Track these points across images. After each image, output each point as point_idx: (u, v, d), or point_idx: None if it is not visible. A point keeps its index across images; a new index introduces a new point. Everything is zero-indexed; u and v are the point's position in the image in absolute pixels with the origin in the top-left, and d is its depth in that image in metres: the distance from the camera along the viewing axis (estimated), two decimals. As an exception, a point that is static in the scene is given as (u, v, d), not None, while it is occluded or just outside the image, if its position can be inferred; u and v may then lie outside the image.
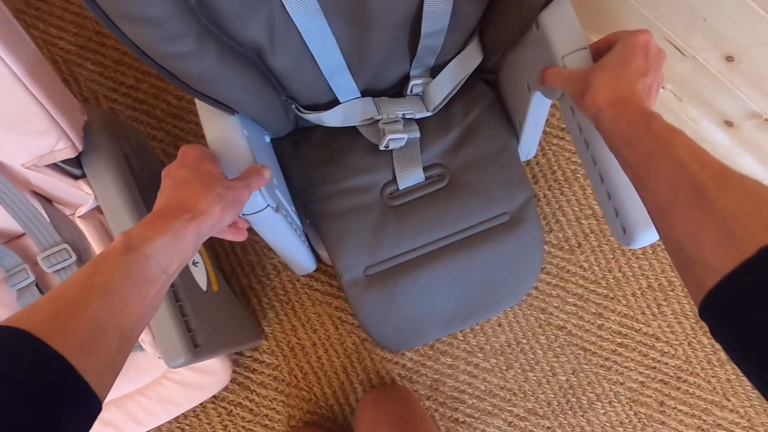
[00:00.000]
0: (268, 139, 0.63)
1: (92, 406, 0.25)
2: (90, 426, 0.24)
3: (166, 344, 0.52)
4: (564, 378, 0.79)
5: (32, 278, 0.59)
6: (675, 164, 0.30)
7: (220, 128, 0.46)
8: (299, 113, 0.58)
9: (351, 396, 0.79)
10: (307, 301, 0.80)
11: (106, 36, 0.85)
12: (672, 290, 0.80)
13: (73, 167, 0.55)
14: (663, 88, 0.76)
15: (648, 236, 0.40)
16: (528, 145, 0.67)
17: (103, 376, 0.26)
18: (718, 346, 0.79)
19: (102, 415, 0.25)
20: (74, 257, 0.57)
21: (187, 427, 0.79)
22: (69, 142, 0.50)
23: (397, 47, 0.50)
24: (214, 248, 0.81)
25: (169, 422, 0.77)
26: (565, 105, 0.45)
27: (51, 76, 0.49)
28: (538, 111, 0.55)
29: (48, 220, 0.57)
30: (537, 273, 0.64)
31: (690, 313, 0.79)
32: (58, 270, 0.57)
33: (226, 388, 0.77)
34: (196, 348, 0.54)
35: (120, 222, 0.55)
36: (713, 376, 0.79)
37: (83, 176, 0.56)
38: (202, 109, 0.47)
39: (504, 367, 0.79)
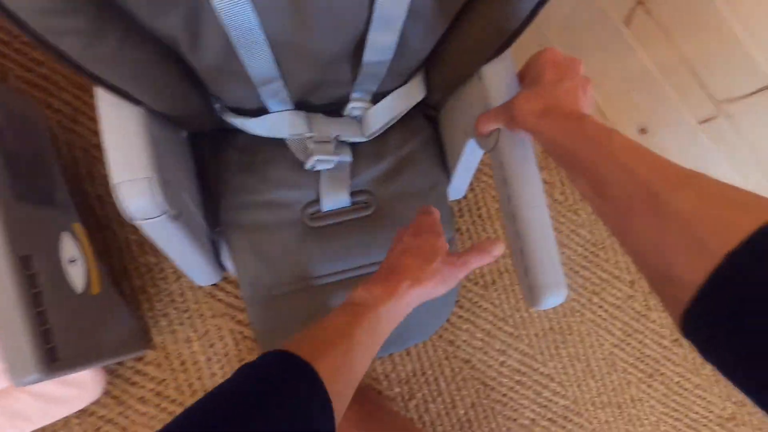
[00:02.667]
0: (185, 133, 0.57)
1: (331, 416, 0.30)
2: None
3: (15, 357, 0.44)
4: (462, 411, 0.80)
5: None
6: (621, 169, 0.29)
7: (116, 119, 0.40)
8: (222, 115, 0.52)
9: (243, 418, 0.73)
10: (207, 312, 0.73)
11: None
12: (570, 334, 0.84)
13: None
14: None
15: (550, 300, 0.41)
16: (458, 186, 0.68)
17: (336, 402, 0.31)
18: (603, 389, 0.85)
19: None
20: None
21: (43, 444, 0.68)
22: None
23: (338, 68, 0.47)
24: (107, 243, 0.71)
25: (21, 437, 0.66)
26: (496, 158, 0.45)
27: None
28: (471, 155, 0.55)
29: None
30: (447, 313, 0.64)
31: (582, 357, 0.85)
32: None
33: (96, 402, 0.68)
34: (55, 362, 0.46)
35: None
36: (594, 417, 0.84)
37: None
38: (101, 94, 0.40)
39: (407, 397, 0.78)
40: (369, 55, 0.45)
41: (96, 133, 0.73)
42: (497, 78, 0.46)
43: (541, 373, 0.83)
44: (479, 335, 0.81)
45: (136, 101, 0.41)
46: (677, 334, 0.86)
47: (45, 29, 0.31)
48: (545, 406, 0.83)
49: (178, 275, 0.73)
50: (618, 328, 0.86)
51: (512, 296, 0.82)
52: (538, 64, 0.40)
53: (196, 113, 0.50)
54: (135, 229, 0.72)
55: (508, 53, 0.46)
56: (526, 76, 0.43)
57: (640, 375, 0.86)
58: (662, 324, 0.87)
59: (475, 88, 0.48)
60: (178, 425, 0.25)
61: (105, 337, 0.58)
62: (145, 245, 0.72)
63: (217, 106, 0.52)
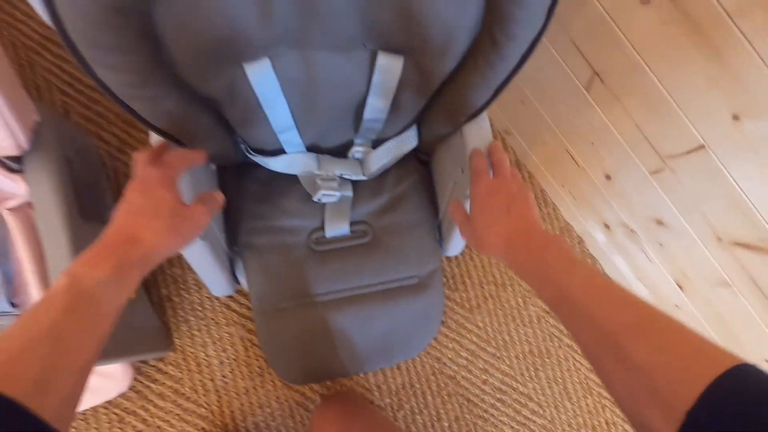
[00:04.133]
0: (213, 166, 0.69)
1: None
2: None
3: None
4: (447, 424, 0.87)
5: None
6: (583, 314, 0.29)
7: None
8: (248, 154, 0.64)
9: (249, 419, 0.82)
10: (222, 320, 0.83)
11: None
12: (548, 358, 0.92)
13: (13, 162, 0.57)
14: (562, 186, 0.90)
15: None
16: (451, 245, 0.73)
17: (62, 410, 0.27)
18: (578, 411, 0.92)
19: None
20: (-9, 245, 0.57)
21: (72, 430, 0.78)
22: (15, 140, 0.53)
23: (343, 122, 0.59)
24: (140, 255, 0.82)
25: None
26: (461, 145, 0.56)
27: (9, 75, 0.52)
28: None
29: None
30: (432, 335, 0.72)
31: (560, 380, 0.92)
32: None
33: (122, 395, 0.77)
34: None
35: (50, 222, 0.57)
36: (571, 438, 0.91)
37: (20, 171, 0.58)
38: (153, 138, 0.52)
39: (396, 407, 0.86)
40: (368, 114, 0.56)
41: (138, 161, 0.86)
42: (473, 135, 0.56)
43: (521, 393, 0.90)
44: (464, 354, 0.89)
45: (180, 143, 0.53)
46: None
47: (125, 96, 0.42)
48: (524, 424, 0.89)
49: (199, 286, 0.83)
50: (594, 354, 0.93)
51: (495, 321, 0.91)
52: (476, 197, 0.43)
53: (225, 153, 0.61)
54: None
55: (484, 116, 0.57)
56: (473, 204, 0.46)
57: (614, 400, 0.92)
58: (636, 353, 0.93)
59: (457, 142, 0.59)
60: None
61: (136, 337, 0.68)
62: (174, 259, 0.83)
63: (242, 146, 0.63)
